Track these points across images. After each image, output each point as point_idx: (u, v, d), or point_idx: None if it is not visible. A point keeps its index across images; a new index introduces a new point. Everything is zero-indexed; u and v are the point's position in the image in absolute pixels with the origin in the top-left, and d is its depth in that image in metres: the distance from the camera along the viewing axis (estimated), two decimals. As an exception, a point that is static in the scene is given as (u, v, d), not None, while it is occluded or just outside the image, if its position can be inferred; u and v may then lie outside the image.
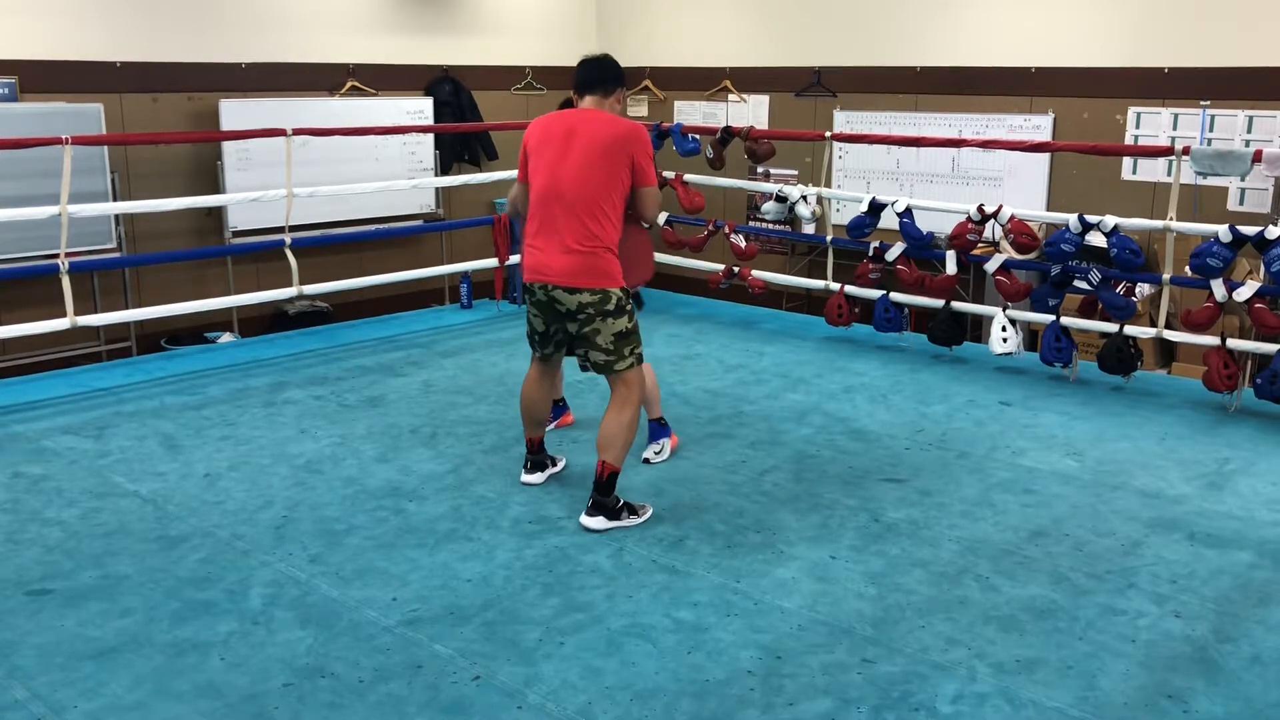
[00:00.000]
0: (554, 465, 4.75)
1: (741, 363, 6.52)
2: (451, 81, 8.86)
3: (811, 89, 8.75)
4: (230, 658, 3.31)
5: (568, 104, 4.52)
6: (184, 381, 6.13)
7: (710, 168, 7.51)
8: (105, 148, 7.07)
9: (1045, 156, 7.60)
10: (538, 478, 4.65)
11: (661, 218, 7.70)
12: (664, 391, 5.85)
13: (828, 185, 7.27)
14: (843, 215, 7.82)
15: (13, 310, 6.41)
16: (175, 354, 7.01)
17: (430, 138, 8.62)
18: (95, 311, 6.56)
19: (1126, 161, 7.33)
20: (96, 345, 7.30)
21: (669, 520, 4.28)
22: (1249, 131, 6.85)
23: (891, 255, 6.65)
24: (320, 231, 7.76)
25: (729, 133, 7.28)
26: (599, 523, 4.18)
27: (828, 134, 7.11)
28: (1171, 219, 5.74)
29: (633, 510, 4.25)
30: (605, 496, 4.20)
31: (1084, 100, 7.49)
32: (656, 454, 4.89)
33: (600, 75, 4.26)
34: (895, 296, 6.73)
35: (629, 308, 4.21)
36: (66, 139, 5.75)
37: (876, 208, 6.70)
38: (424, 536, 4.14)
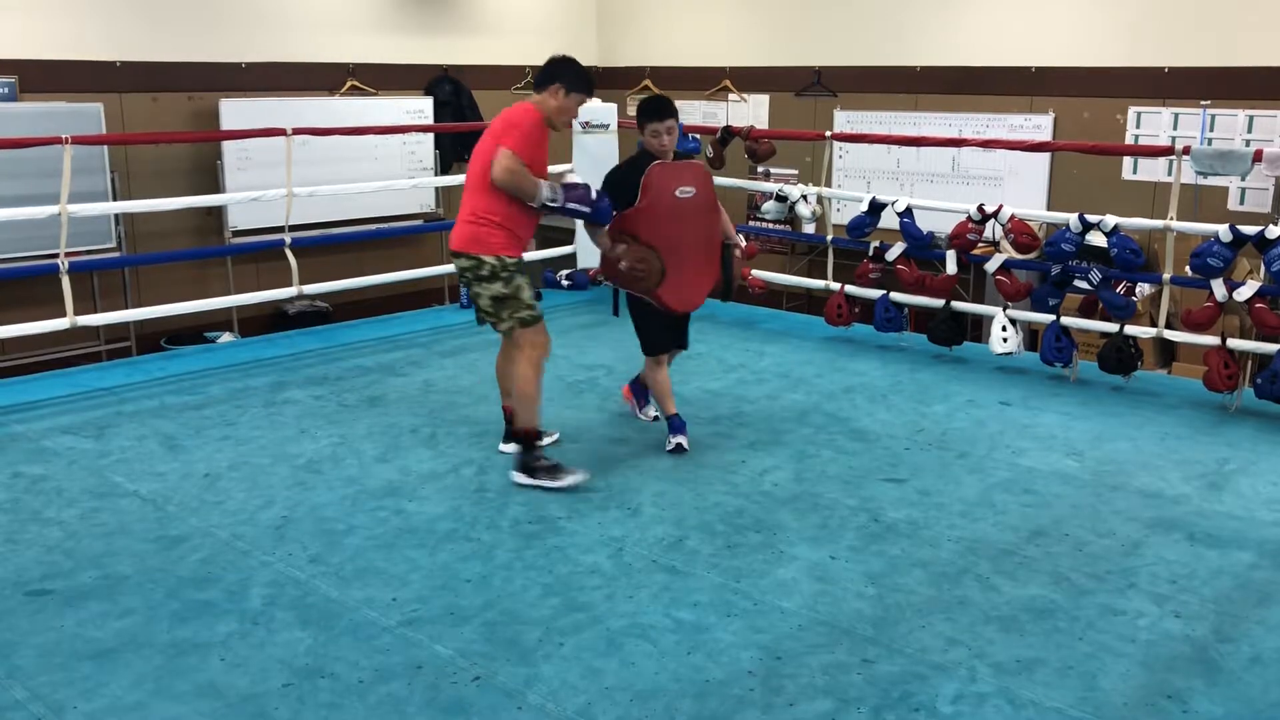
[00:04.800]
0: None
1: (741, 363, 6.52)
2: (451, 81, 8.87)
3: (811, 89, 8.75)
4: (230, 658, 3.31)
5: None
6: (184, 381, 6.13)
7: (710, 167, 7.50)
8: (105, 147, 7.07)
9: (1045, 156, 7.60)
10: (513, 447, 4.77)
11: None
12: (664, 391, 5.84)
13: (828, 185, 7.27)
14: (843, 215, 7.82)
15: (13, 310, 6.40)
16: (175, 354, 7.00)
17: (430, 137, 8.62)
18: (95, 311, 6.56)
19: (1127, 161, 7.33)
20: (96, 345, 7.30)
21: (669, 520, 4.28)
22: (1249, 131, 6.85)
23: (891, 255, 6.65)
24: (320, 231, 7.76)
25: (729, 132, 7.27)
26: (519, 477, 4.57)
27: (828, 134, 7.11)
28: (1172, 219, 5.74)
29: (554, 474, 4.53)
30: (522, 452, 4.59)
31: (1084, 100, 7.49)
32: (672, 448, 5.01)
33: (540, 75, 4.60)
34: (895, 296, 6.73)
35: (505, 275, 4.51)
36: (66, 139, 5.75)
37: (876, 207, 6.70)
38: (424, 536, 4.14)
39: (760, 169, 8.56)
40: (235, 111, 7.53)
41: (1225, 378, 5.56)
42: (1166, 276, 5.83)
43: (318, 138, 6.99)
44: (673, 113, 4.89)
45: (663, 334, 5.04)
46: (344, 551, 4.02)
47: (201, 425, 5.37)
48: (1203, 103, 7.01)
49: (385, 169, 8.23)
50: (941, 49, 8.08)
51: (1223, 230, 5.51)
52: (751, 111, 9.08)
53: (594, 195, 4.62)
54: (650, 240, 4.77)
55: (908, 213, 6.58)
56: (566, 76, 4.55)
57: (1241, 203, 6.90)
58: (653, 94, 4.96)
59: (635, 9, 9.83)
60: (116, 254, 7.25)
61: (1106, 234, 5.85)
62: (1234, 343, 5.65)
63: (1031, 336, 6.89)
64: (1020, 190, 7.68)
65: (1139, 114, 7.28)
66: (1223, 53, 6.92)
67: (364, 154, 8.11)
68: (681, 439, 4.98)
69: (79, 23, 7.16)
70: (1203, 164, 5.73)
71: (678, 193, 4.82)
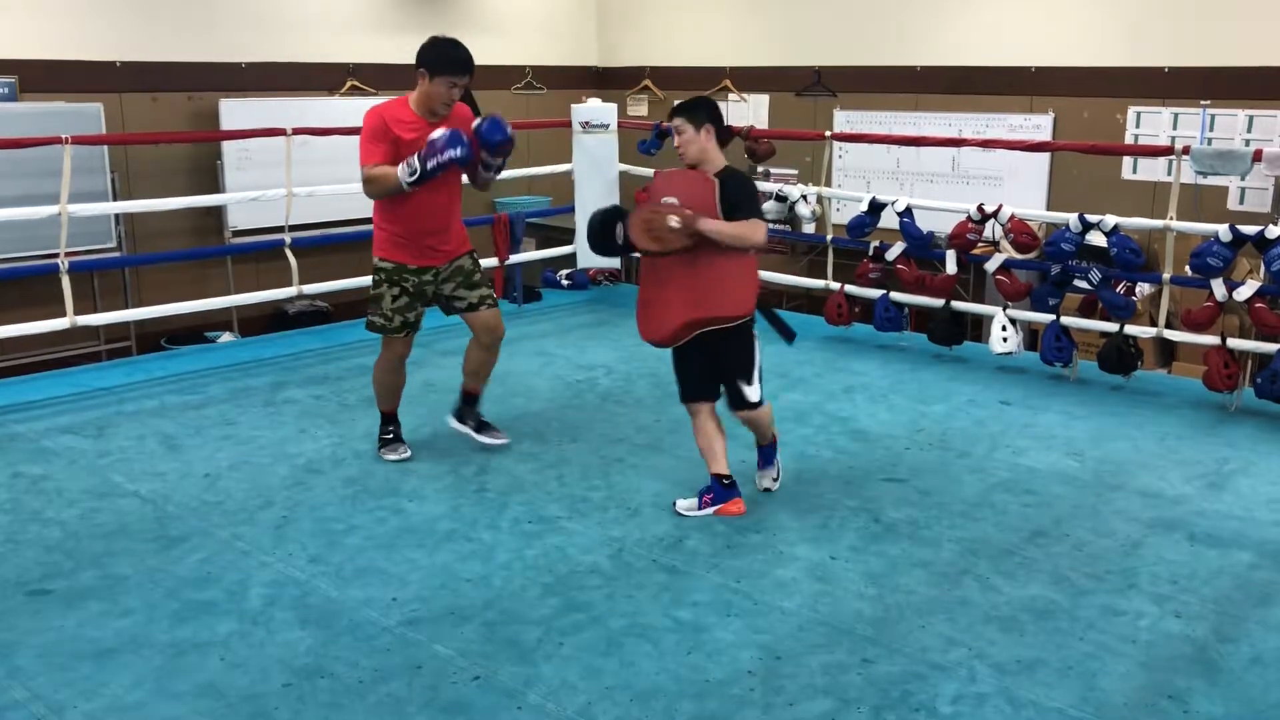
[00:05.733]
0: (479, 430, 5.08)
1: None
2: (451, 81, 8.85)
3: (812, 88, 8.75)
4: (230, 658, 3.31)
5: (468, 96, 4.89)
6: (184, 381, 6.13)
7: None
8: (105, 147, 7.07)
9: (1045, 156, 7.59)
10: (456, 424, 5.08)
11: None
12: (661, 392, 5.79)
13: (828, 185, 7.26)
14: (843, 215, 7.81)
15: (13, 310, 6.40)
16: (175, 354, 7.01)
17: (430, 137, 8.61)
18: (95, 311, 6.56)
19: (1126, 161, 7.33)
20: (96, 345, 7.30)
21: (669, 520, 4.28)
22: (1249, 131, 6.85)
23: (891, 255, 6.65)
24: (320, 231, 7.75)
25: (729, 132, 7.26)
26: (378, 442, 4.97)
27: (828, 133, 7.11)
28: (1171, 218, 5.74)
29: (389, 446, 4.89)
30: (380, 425, 4.97)
31: (1084, 100, 7.48)
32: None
33: (415, 62, 4.53)
34: (895, 296, 6.73)
35: (377, 278, 4.70)
36: (66, 139, 5.74)
37: (876, 207, 6.70)
38: (424, 536, 4.14)
39: (760, 169, 8.56)
40: (235, 111, 7.53)
41: (1225, 378, 5.56)
42: (1166, 276, 5.83)
43: (318, 138, 6.99)
44: (682, 112, 4.28)
45: (683, 378, 4.39)
46: (344, 551, 4.02)
47: (201, 425, 5.37)
48: (1203, 103, 7.01)
49: (385, 169, 8.21)
50: (941, 49, 8.07)
51: (1223, 230, 5.51)
52: (751, 111, 9.08)
53: (452, 138, 4.35)
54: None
55: (907, 213, 6.58)
56: (426, 62, 4.48)
57: (1241, 203, 6.89)
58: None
59: (635, 9, 9.83)
60: (116, 254, 7.25)
61: (1106, 234, 5.85)
62: (1234, 342, 5.65)
63: (1031, 336, 6.89)
64: (1020, 190, 7.68)
65: (1139, 114, 7.28)
66: (1223, 53, 6.91)
67: (364, 154, 8.09)
68: (687, 503, 4.35)
69: (79, 23, 7.15)
70: (1203, 164, 5.73)
71: (663, 202, 4.21)
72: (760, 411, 4.35)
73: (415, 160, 4.38)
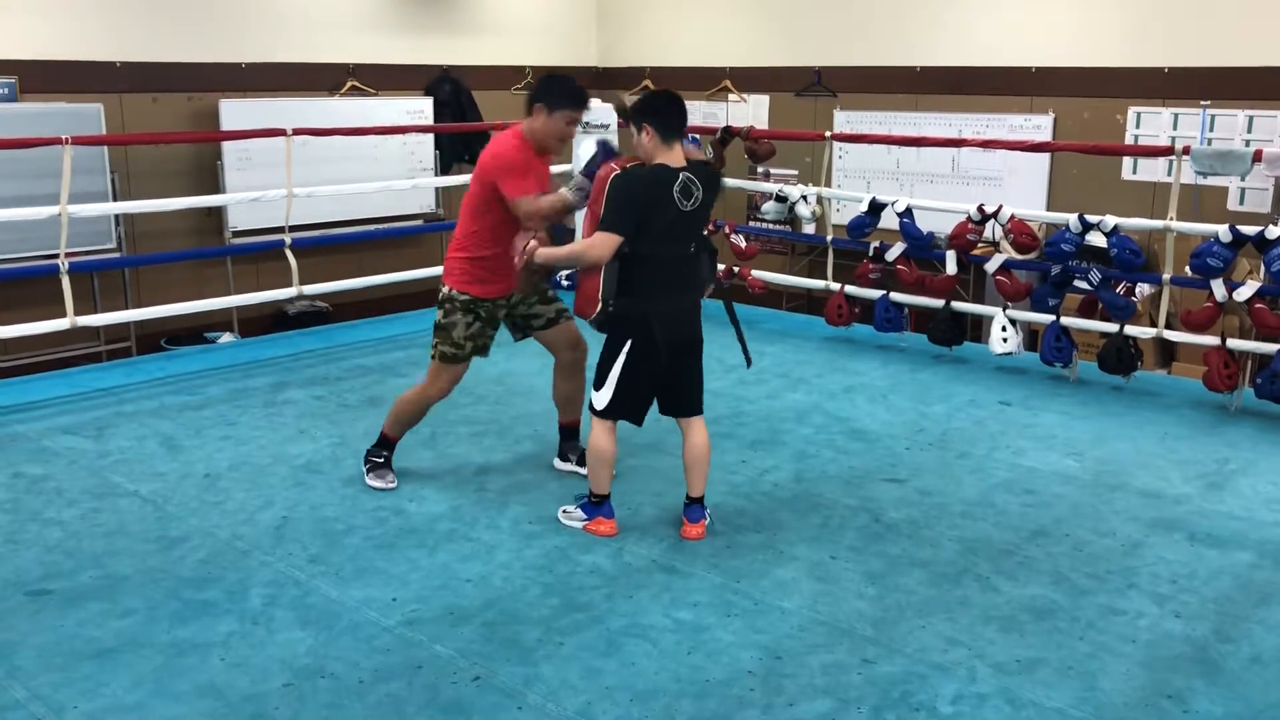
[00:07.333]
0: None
1: (741, 363, 6.50)
2: (451, 81, 8.86)
3: (812, 89, 8.75)
4: (230, 658, 3.31)
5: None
6: (184, 381, 6.13)
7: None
8: (105, 148, 7.07)
9: (1045, 156, 7.59)
10: (568, 466, 4.86)
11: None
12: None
13: (828, 185, 7.26)
14: (843, 215, 7.81)
15: (13, 310, 6.40)
16: (175, 354, 7.01)
17: (430, 138, 8.61)
18: (95, 311, 6.56)
19: (1126, 161, 7.33)
20: (96, 345, 7.30)
21: (669, 520, 4.28)
22: (1249, 131, 6.85)
23: (891, 255, 6.65)
24: (320, 231, 7.76)
25: (729, 133, 7.27)
26: (366, 461, 4.72)
27: (828, 134, 7.11)
28: (1172, 219, 5.74)
29: (378, 471, 4.65)
30: (374, 446, 4.71)
31: (1084, 100, 7.49)
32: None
33: (527, 98, 4.45)
34: (895, 296, 6.73)
35: (448, 307, 4.50)
36: (66, 139, 5.75)
37: (876, 208, 6.70)
38: (424, 536, 4.14)
39: (760, 169, 8.56)
40: (235, 112, 7.53)
41: (1225, 378, 5.56)
42: (1166, 276, 5.83)
43: (318, 138, 6.99)
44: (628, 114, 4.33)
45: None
46: (344, 551, 4.02)
47: (201, 425, 5.38)
48: (1203, 103, 7.01)
49: (385, 169, 8.22)
50: (941, 49, 8.08)
51: (1223, 230, 5.51)
52: (751, 111, 9.08)
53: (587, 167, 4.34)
54: None
55: (908, 213, 6.58)
56: (546, 96, 4.38)
57: (1241, 203, 6.89)
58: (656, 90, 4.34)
59: (635, 9, 9.83)
60: (116, 254, 7.24)
61: (1106, 234, 5.85)
62: (1234, 343, 5.65)
63: (1031, 336, 6.89)
64: (1020, 190, 7.68)
65: (1139, 114, 7.28)
66: (1223, 53, 6.92)
67: (364, 154, 8.10)
68: (575, 516, 4.26)
69: (79, 23, 7.15)
70: (1203, 164, 5.73)
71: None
72: (594, 435, 4.13)
73: (583, 179, 4.30)
